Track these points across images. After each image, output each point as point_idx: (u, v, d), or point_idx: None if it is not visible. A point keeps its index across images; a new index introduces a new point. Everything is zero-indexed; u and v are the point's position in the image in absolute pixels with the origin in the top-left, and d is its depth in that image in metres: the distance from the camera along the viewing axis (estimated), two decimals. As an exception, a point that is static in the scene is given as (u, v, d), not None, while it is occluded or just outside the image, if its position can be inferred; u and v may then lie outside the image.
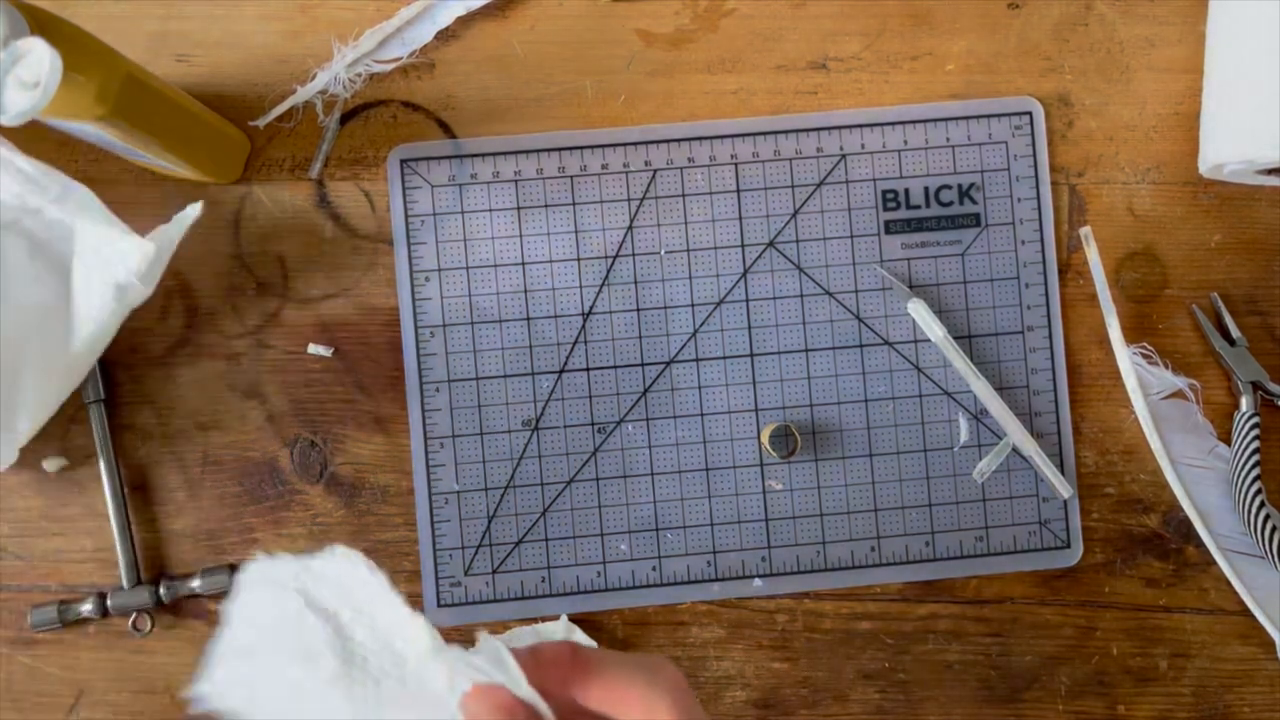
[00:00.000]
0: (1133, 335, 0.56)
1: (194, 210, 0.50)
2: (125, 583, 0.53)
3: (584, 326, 0.55)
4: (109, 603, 0.53)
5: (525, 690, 0.34)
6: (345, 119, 0.55)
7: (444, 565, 0.54)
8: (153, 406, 0.55)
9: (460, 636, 0.54)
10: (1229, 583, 0.55)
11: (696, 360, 0.55)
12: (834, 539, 0.55)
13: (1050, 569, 0.56)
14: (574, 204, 0.55)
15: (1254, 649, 0.56)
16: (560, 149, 0.55)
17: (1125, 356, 0.55)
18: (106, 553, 0.54)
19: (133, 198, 0.54)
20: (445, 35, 0.55)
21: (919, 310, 0.55)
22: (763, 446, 0.55)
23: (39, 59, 0.37)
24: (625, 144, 0.55)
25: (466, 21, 0.55)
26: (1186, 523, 0.55)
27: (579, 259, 0.55)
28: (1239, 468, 0.54)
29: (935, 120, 0.56)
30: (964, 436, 0.56)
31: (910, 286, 0.56)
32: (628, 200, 0.55)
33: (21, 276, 0.50)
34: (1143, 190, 0.57)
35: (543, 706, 0.35)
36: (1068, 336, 0.56)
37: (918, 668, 0.55)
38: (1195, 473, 0.55)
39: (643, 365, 0.55)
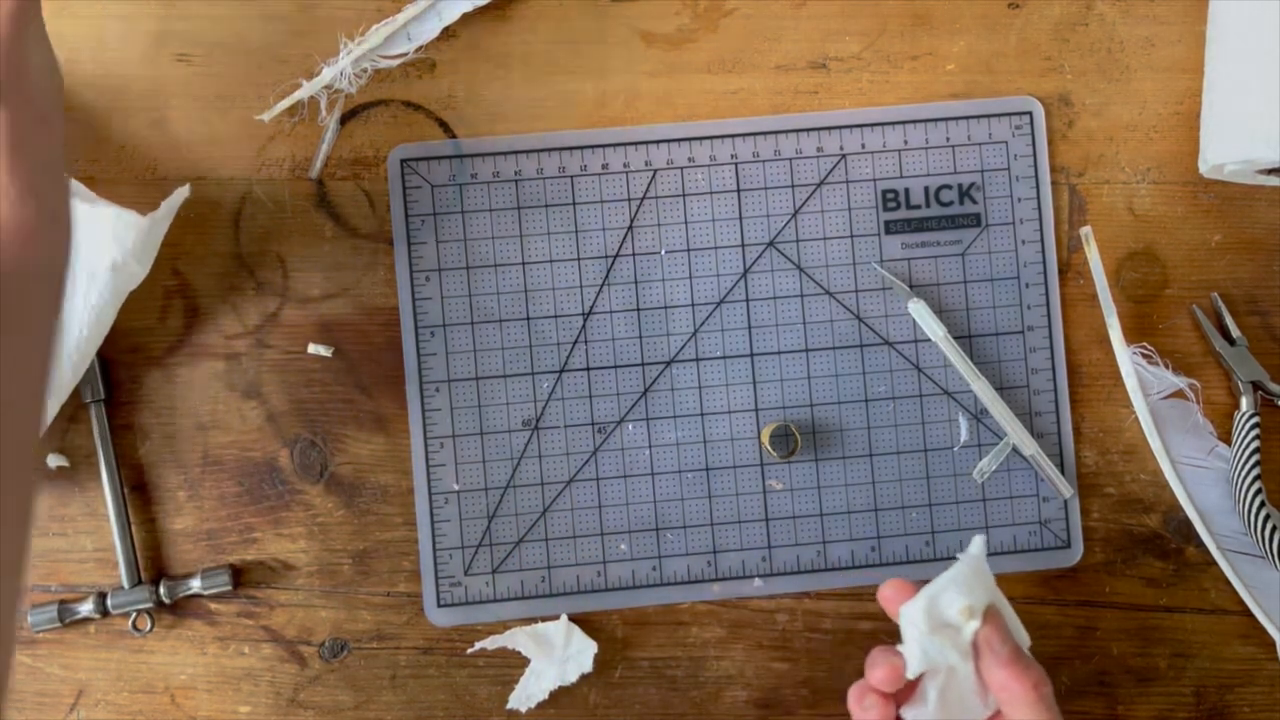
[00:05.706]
0: (1133, 335, 0.56)
1: (182, 193, 0.51)
2: (125, 583, 0.53)
3: (584, 326, 0.55)
4: (109, 603, 0.53)
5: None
6: (345, 119, 0.55)
7: (444, 565, 0.54)
8: (152, 406, 0.54)
9: (460, 637, 0.54)
10: (1229, 583, 0.55)
11: (696, 360, 0.55)
12: (834, 539, 0.55)
13: (1050, 569, 0.56)
14: (574, 204, 0.55)
15: (1254, 649, 0.56)
16: (560, 149, 0.55)
17: (1125, 356, 0.55)
18: (106, 553, 0.54)
19: (133, 198, 0.54)
20: (446, 34, 0.55)
21: (919, 310, 0.55)
22: (763, 446, 0.55)
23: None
24: (625, 144, 0.55)
25: (467, 21, 0.55)
26: (1187, 523, 0.55)
27: (579, 259, 0.55)
28: (1239, 468, 0.54)
29: (935, 120, 0.56)
30: (964, 436, 0.56)
31: (910, 286, 0.56)
32: (628, 200, 0.55)
33: None
34: (1143, 190, 0.57)
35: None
36: (1068, 336, 0.56)
37: (918, 668, 0.55)
38: (1195, 473, 0.55)
39: (643, 365, 0.55)
